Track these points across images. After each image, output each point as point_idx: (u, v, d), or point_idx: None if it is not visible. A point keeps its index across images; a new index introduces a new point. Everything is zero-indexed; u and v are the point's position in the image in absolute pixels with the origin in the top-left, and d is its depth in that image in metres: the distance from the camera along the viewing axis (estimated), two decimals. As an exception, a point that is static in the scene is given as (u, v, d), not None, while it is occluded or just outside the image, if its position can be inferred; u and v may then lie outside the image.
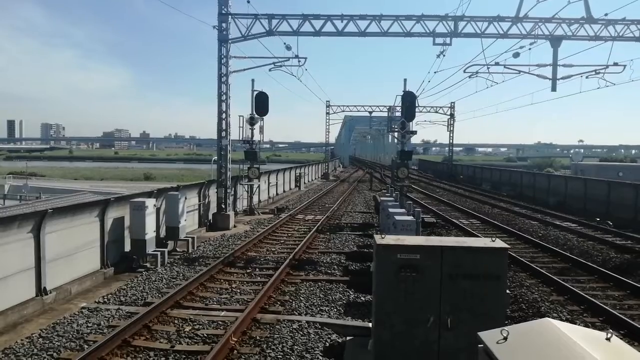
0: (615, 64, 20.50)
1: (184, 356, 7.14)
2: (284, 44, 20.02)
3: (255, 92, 21.44)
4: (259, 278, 11.51)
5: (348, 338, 7.83)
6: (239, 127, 21.42)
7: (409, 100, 19.61)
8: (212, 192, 19.42)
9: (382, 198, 17.57)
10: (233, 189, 20.98)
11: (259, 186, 24.19)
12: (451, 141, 57.84)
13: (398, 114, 30.69)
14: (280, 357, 7.08)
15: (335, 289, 10.61)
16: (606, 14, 18.82)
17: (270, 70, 21.13)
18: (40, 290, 9.41)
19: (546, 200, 29.34)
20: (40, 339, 7.57)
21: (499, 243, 5.59)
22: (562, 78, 20.68)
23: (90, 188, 39.32)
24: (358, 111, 60.31)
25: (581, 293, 10.31)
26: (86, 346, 7.24)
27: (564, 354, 2.49)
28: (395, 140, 23.79)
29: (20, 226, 9.03)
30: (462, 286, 5.42)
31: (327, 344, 7.64)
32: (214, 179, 20.27)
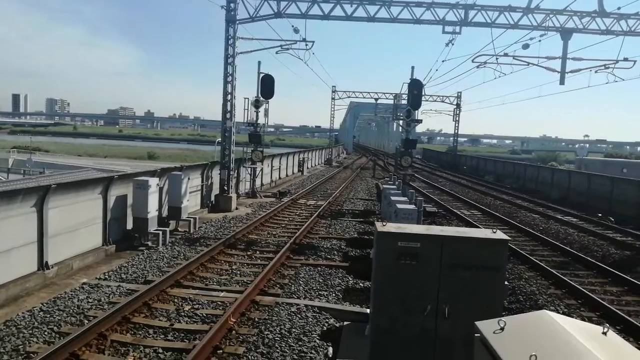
0: (626, 59, 20.29)
1: (182, 334, 7.23)
2: (292, 26, 19.89)
3: (261, 75, 21.32)
4: (259, 261, 11.58)
5: (345, 323, 7.90)
6: (244, 109, 21.39)
7: (415, 89, 19.50)
8: (215, 174, 19.43)
9: (384, 186, 17.56)
10: (236, 171, 20.98)
11: (262, 169, 24.21)
12: (456, 131, 57.53)
13: (404, 101, 30.54)
14: (278, 339, 7.15)
15: (334, 274, 10.68)
16: (619, 8, 18.55)
17: (277, 52, 21.03)
18: (42, 265, 9.50)
19: (549, 194, 29.28)
20: (41, 313, 7.67)
21: (499, 235, 5.59)
22: (570, 72, 20.51)
23: (94, 165, 39.33)
24: (364, 97, 59.95)
25: (579, 287, 10.36)
26: (86, 321, 7.33)
27: (560, 345, 2.51)
28: (400, 129, 23.69)
29: (23, 200, 9.08)
30: (461, 276, 5.44)
31: (325, 328, 7.71)
32: (217, 161, 20.26)
